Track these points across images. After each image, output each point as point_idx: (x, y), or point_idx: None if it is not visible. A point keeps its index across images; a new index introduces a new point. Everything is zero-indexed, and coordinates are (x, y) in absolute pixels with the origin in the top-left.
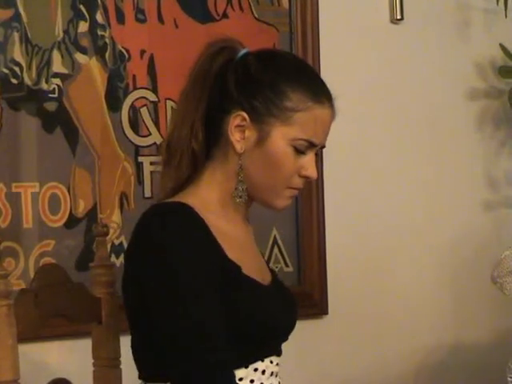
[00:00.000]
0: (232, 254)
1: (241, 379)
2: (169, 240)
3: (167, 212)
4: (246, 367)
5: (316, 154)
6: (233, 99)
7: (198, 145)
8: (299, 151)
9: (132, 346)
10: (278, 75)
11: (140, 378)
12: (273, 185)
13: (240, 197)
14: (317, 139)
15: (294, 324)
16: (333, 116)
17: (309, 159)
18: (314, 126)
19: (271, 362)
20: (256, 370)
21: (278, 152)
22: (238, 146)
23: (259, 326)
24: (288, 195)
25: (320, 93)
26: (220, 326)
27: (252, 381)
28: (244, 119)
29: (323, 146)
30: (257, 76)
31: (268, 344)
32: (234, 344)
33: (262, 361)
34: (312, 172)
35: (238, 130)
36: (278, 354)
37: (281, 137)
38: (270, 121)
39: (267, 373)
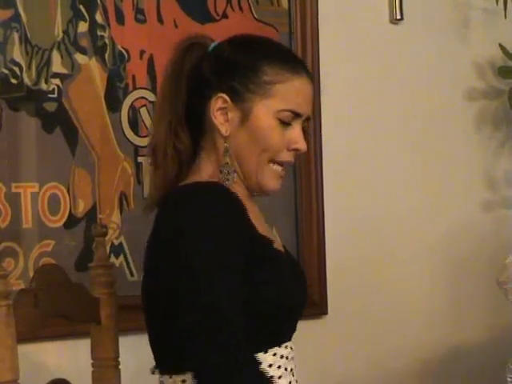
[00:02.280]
0: (261, 229)
1: (260, 363)
2: (195, 222)
3: (199, 191)
4: (266, 352)
5: (304, 130)
6: (210, 85)
7: (178, 141)
8: (285, 123)
9: (151, 339)
10: (252, 53)
11: (161, 372)
12: (262, 160)
13: (227, 180)
14: (300, 109)
15: (307, 298)
16: (312, 86)
17: (296, 132)
18: (295, 96)
19: (286, 347)
20: (275, 354)
21: (263, 126)
22: (223, 129)
23: (281, 306)
24: (277, 174)
25: (295, 64)
26: (240, 308)
27: (280, 366)
28: (225, 101)
29: (309, 118)
30: (231, 58)
31: (288, 323)
32: (255, 326)
33: (279, 346)
34: (301, 144)
35: (221, 112)
36: (290, 337)
37: (264, 111)
38: (250, 97)
39: (289, 357)
